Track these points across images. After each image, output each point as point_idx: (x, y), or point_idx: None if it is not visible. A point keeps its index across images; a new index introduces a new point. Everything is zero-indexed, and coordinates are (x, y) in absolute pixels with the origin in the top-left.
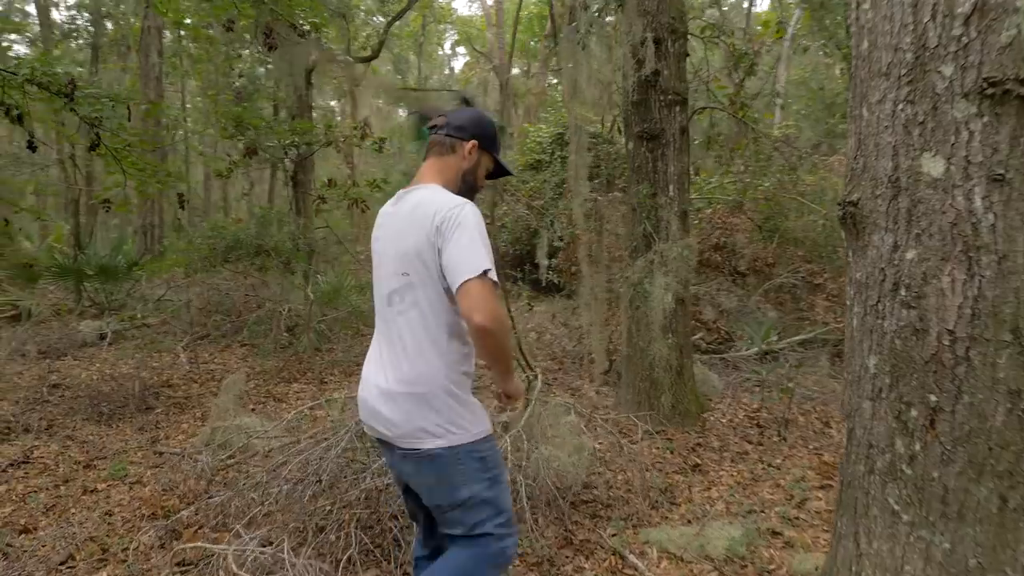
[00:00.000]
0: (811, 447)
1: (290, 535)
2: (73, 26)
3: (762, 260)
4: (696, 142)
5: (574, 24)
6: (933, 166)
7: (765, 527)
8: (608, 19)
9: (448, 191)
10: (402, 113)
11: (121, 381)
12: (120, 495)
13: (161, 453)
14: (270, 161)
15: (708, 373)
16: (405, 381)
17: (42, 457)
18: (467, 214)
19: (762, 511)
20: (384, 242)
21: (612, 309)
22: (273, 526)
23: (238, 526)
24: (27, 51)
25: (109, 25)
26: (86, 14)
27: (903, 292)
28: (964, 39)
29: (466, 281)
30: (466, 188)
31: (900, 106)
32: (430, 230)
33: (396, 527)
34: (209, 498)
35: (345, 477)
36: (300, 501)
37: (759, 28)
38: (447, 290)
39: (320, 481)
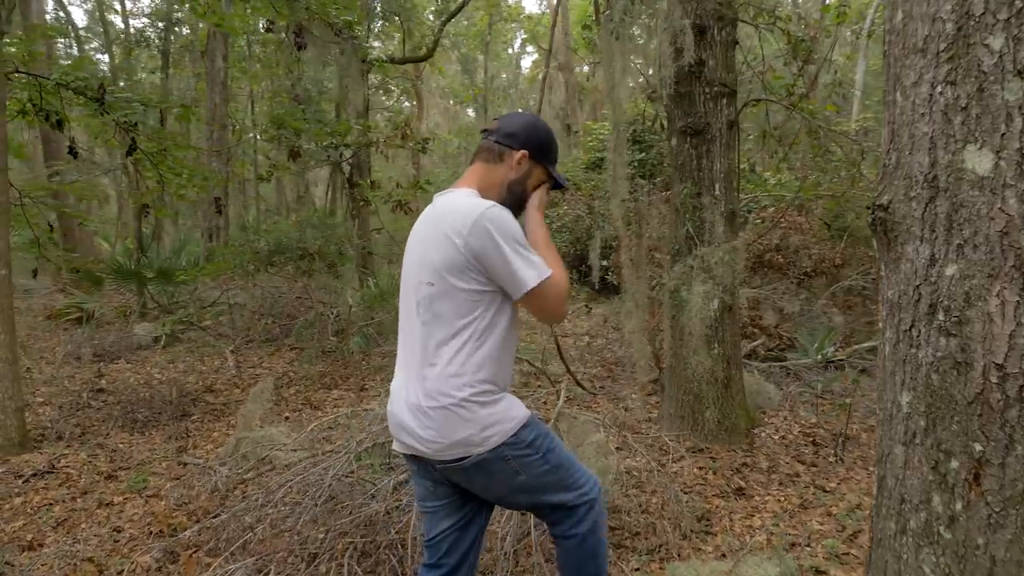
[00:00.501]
0: (871, 469)
1: (278, 564)
2: (145, 33)
3: (829, 261)
4: (751, 137)
5: (608, 12)
6: (979, 161)
7: (809, 564)
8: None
9: (478, 197)
10: (472, 115)
11: (160, 387)
12: (134, 509)
13: (185, 464)
14: (312, 164)
15: (764, 384)
16: (431, 395)
17: (67, 467)
18: (497, 220)
19: (807, 544)
20: (412, 249)
21: (658, 316)
22: (265, 553)
23: (228, 552)
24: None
25: (186, 30)
26: (159, 23)
27: (941, 316)
28: (1018, 3)
29: (524, 296)
30: (512, 199)
31: (939, 88)
32: (457, 242)
33: (395, 558)
34: (213, 518)
35: (352, 498)
36: (295, 527)
37: (831, 15)
38: (478, 300)
39: (317, 505)
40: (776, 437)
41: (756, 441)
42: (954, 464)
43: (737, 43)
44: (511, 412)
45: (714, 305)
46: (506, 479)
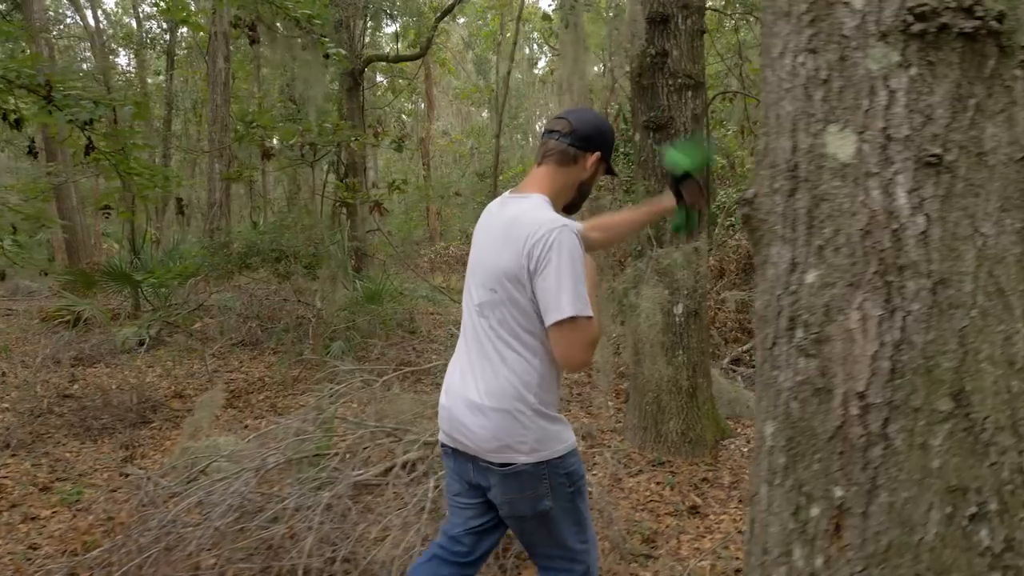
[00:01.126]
0: None
1: None
2: (151, 34)
3: None
4: (729, 133)
5: None
6: (841, 145)
7: None
8: None
9: (550, 205)
10: (485, 116)
11: (125, 393)
12: (59, 524)
13: (127, 475)
14: (302, 161)
15: (743, 391)
16: (495, 395)
17: (5, 477)
18: (560, 242)
19: None
20: (479, 249)
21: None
22: None
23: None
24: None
25: (201, 34)
26: (163, 24)
27: (801, 332)
28: None
29: (554, 324)
30: (579, 198)
31: (800, 59)
32: (522, 254)
33: None
34: (117, 537)
35: (255, 519)
36: (190, 550)
37: None
38: (538, 313)
39: (215, 527)
40: (745, 449)
41: (723, 454)
42: (815, 511)
43: (704, 32)
44: (566, 434)
45: (678, 310)
46: (533, 499)
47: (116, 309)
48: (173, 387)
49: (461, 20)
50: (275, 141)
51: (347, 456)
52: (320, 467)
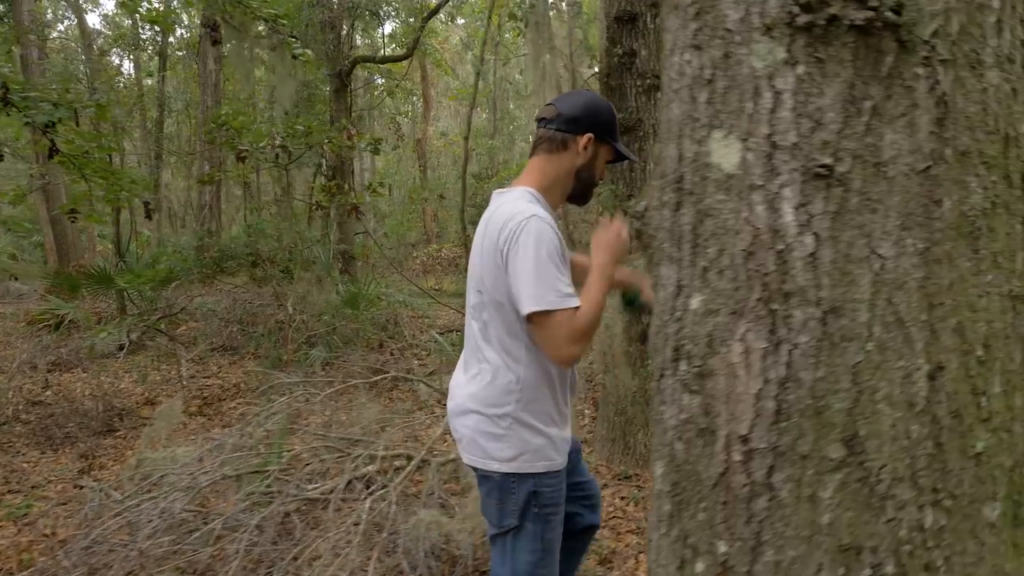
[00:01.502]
0: None
1: None
2: (142, 36)
3: None
4: None
5: None
6: (725, 154)
7: None
8: None
9: (535, 196)
10: (484, 117)
11: (95, 400)
12: (2, 540)
13: (81, 487)
14: (265, 165)
15: None
16: (476, 398)
17: None
18: (527, 232)
19: None
20: (472, 250)
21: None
22: None
23: None
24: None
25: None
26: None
27: (684, 365)
28: None
29: (529, 315)
30: (581, 186)
31: (686, 56)
32: (496, 251)
33: None
34: (42, 557)
35: (180, 541)
36: (118, 571)
37: None
38: (519, 314)
39: (139, 551)
40: None
41: None
42: (700, 567)
43: None
44: (549, 453)
45: (647, 319)
46: (499, 511)
47: (102, 312)
48: (146, 393)
49: (461, 21)
50: (263, 143)
51: (291, 472)
52: (260, 483)
